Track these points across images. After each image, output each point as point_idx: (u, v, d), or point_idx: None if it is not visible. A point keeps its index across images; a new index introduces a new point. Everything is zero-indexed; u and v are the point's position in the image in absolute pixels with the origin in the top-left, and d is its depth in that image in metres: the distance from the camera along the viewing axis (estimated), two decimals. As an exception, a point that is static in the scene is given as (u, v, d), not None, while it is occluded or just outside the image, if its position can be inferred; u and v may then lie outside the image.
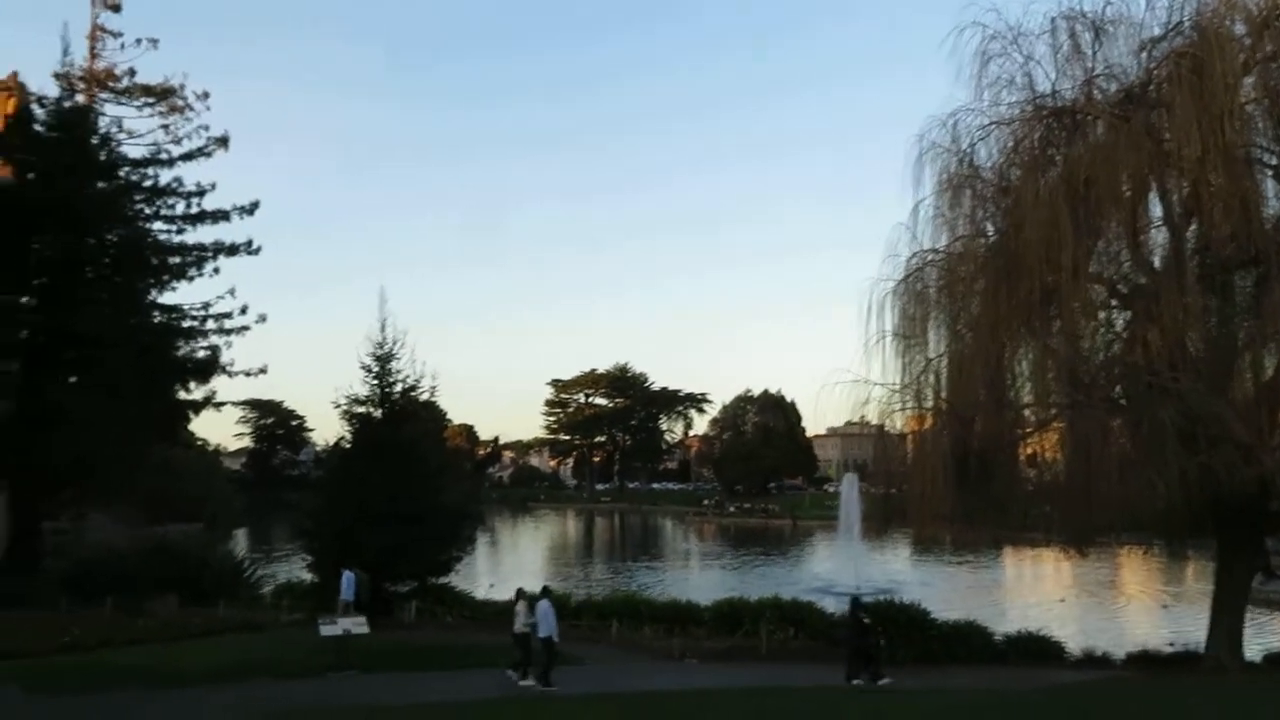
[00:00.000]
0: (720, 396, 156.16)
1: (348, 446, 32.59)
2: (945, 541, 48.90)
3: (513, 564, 64.78)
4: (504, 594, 32.59)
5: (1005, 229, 22.76)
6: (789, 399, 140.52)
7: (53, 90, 38.09)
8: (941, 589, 45.01)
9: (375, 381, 31.64)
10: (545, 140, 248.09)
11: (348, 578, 25.63)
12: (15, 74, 42.76)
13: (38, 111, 37.97)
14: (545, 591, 21.27)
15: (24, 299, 36.09)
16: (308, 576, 31.95)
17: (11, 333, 35.53)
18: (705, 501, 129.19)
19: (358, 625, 21.51)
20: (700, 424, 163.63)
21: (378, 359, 31.60)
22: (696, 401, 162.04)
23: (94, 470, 34.59)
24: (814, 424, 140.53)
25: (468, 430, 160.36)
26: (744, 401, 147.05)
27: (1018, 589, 50.48)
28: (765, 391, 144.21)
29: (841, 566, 52.42)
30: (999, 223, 23.46)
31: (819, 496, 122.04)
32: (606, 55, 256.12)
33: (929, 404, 23.99)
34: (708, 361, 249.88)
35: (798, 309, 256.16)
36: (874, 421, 24.73)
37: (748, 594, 28.83)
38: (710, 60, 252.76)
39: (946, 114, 23.61)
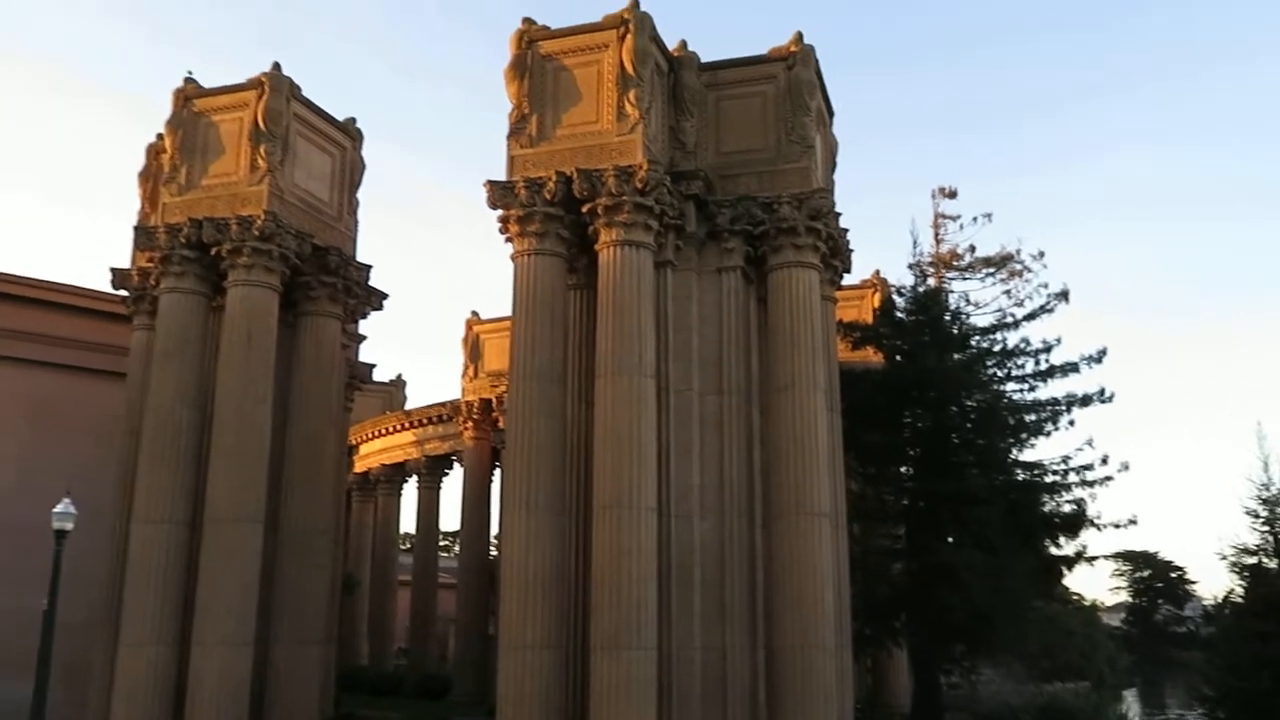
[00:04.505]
0: None
1: (1240, 601, 29.41)
2: None
3: None
4: None
5: None
6: None
7: (908, 279, 42.98)
8: None
9: (1265, 528, 28.32)
10: None
11: None
12: (877, 272, 49.32)
13: (898, 300, 43.06)
14: None
15: (903, 468, 40.24)
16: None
17: (898, 501, 39.77)
18: None
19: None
20: None
21: (1264, 502, 28.35)
22: None
23: (982, 626, 36.22)
24: None
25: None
26: None
27: None
28: None
29: None
30: None
31: None
32: None
33: None
34: None
35: None
36: None
37: None
38: None
39: None
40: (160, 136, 34.40)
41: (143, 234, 33.61)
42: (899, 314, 42.13)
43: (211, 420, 30.93)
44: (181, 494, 30.51)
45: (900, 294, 42.97)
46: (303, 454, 32.71)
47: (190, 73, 33.73)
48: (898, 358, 40.63)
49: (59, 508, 27.90)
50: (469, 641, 53.86)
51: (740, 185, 29.56)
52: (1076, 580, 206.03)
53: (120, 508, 32.92)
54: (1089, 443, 39.61)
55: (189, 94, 32.81)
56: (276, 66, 32.34)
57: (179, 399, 30.88)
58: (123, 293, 35.42)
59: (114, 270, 35.52)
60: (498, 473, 53.07)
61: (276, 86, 32.05)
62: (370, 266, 35.68)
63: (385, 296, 36.86)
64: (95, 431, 38.86)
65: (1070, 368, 39.89)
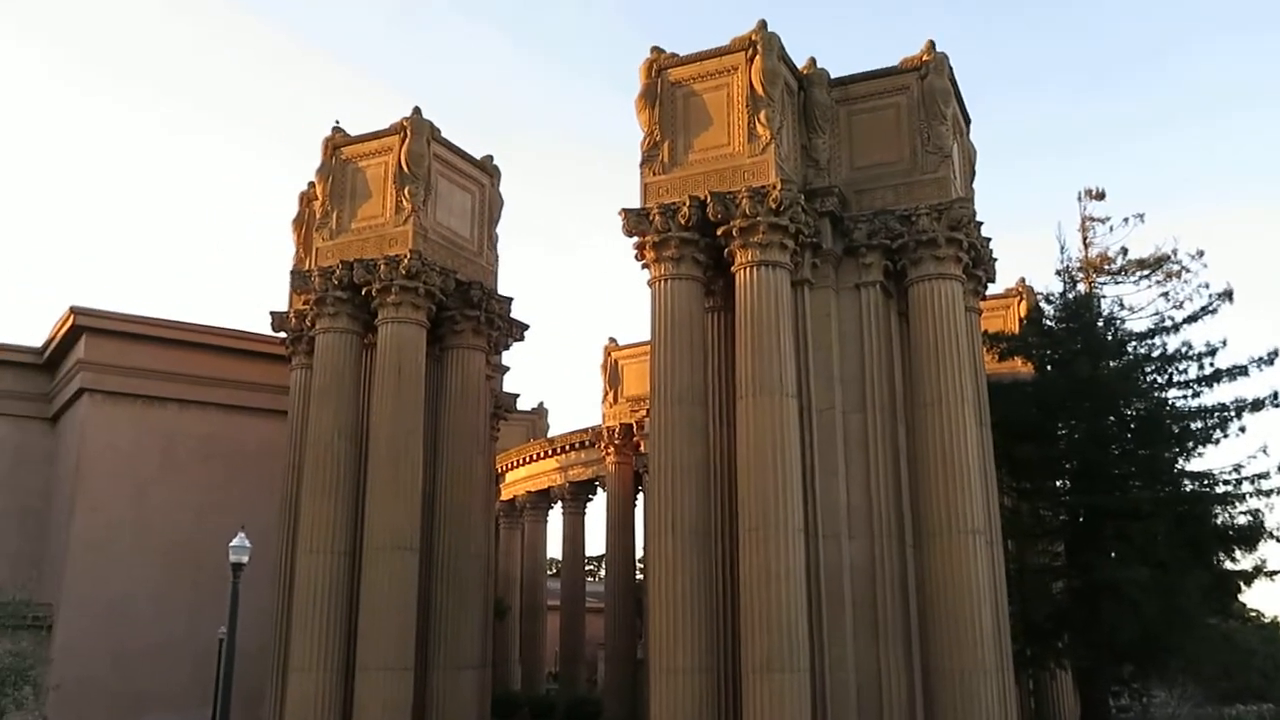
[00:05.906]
0: None
1: None
2: None
3: None
4: None
5: None
6: None
7: (1056, 286, 41.37)
8: None
9: None
10: None
11: None
12: (1022, 280, 47.69)
13: (1046, 308, 41.54)
14: None
15: (1059, 482, 38.67)
16: None
17: (1056, 516, 38.25)
18: None
19: None
20: None
21: None
22: None
23: (1151, 645, 34.45)
24: None
25: None
26: None
27: None
28: None
29: None
30: None
31: None
32: None
33: None
34: None
35: None
36: None
37: None
38: None
39: None
40: (311, 185, 36.17)
41: (298, 278, 35.36)
42: (1048, 322, 40.59)
43: (367, 453, 32.17)
44: (342, 524, 31.78)
45: (1048, 301, 41.42)
46: (453, 483, 33.68)
47: (337, 122, 35.31)
48: (1049, 367, 39.13)
49: (234, 541, 29.28)
50: (618, 665, 54.18)
51: (876, 199, 29.16)
52: (1256, 596, 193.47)
53: (285, 539, 34.53)
54: (1263, 449, 37.31)
55: (337, 142, 34.42)
56: (417, 111, 33.60)
57: (337, 433, 32.23)
58: (281, 334, 37.26)
59: (273, 313, 37.44)
60: (641, 496, 53.47)
61: (417, 130, 33.29)
62: (511, 299, 36.59)
63: (526, 328, 37.72)
64: (259, 468, 40.88)
65: (1239, 370, 37.64)
